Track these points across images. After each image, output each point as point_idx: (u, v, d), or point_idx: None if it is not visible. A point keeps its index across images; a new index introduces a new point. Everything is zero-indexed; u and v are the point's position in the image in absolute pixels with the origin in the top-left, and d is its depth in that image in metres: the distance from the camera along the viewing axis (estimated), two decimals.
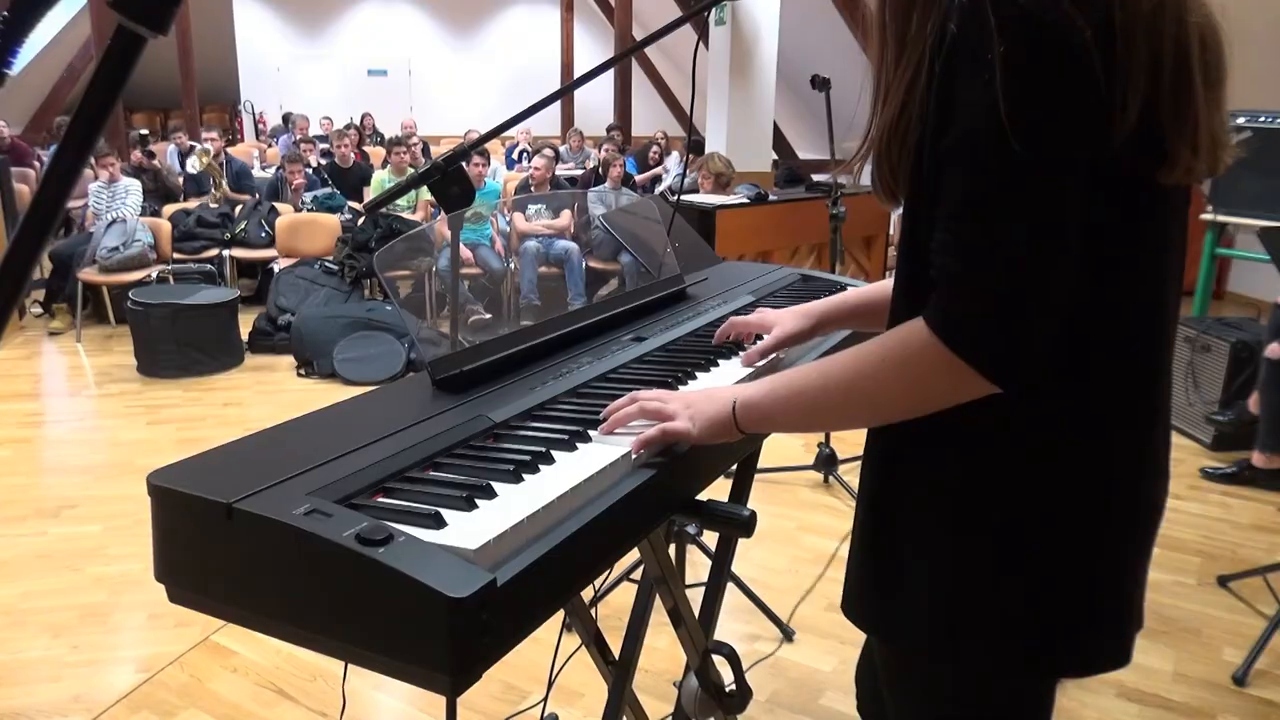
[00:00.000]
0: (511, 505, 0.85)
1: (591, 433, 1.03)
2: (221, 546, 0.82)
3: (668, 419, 1.01)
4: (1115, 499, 0.92)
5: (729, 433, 1.00)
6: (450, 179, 1.27)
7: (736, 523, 1.08)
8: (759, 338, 1.34)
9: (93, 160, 9.23)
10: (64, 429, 4.39)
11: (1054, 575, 0.91)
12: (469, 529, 0.81)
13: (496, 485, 0.89)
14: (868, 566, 1.02)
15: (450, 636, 0.71)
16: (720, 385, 1.12)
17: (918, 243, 0.90)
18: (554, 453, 0.97)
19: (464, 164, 1.29)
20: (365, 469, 0.90)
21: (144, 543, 3.21)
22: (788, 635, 2.58)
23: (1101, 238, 0.86)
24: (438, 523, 0.81)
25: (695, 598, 1.52)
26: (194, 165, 6.96)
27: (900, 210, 0.96)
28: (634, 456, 0.98)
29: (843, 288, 1.71)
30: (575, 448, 1.00)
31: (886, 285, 1.32)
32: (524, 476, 0.92)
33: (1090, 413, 0.90)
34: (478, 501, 0.86)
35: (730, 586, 2.48)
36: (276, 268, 6.14)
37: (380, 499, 0.88)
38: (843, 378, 0.93)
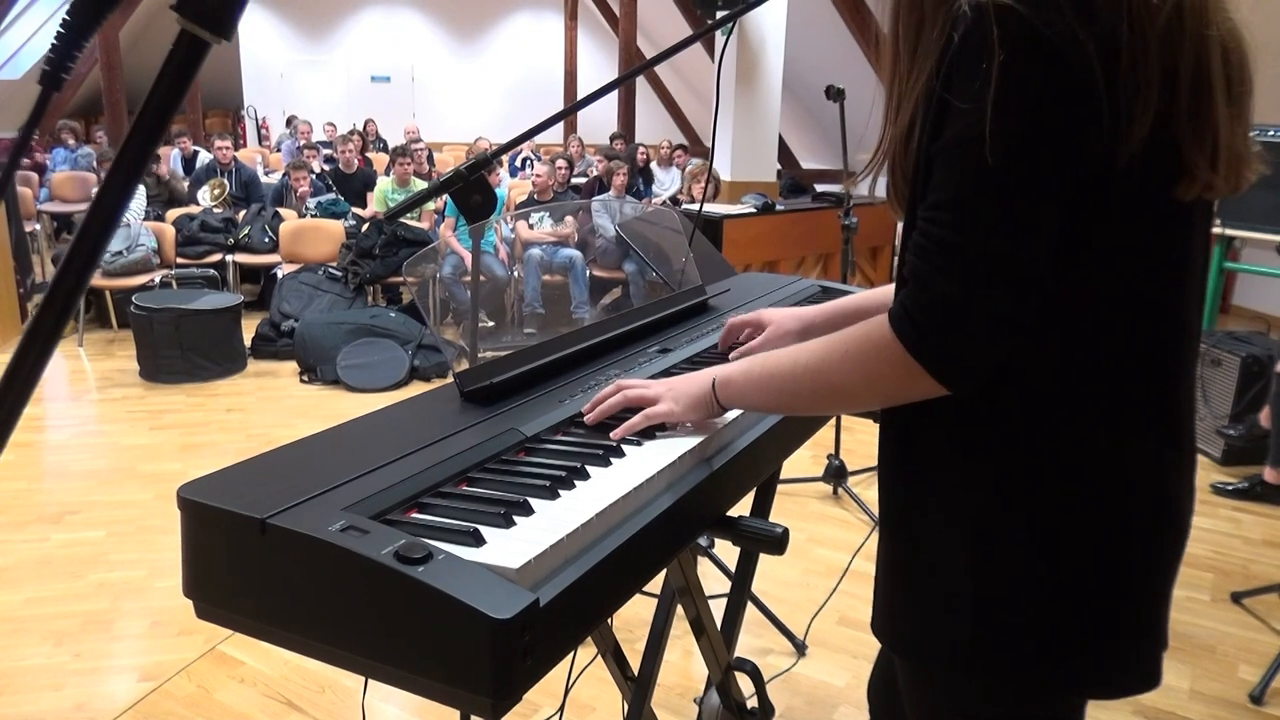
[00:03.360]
0: (550, 522, 0.83)
1: (625, 447, 1.02)
2: (254, 563, 0.80)
3: (650, 403, 1.06)
4: (1140, 516, 0.90)
5: (709, 408, 1.06)
6: (472, 187, 1.26)
7: (769, 540, 1.06)
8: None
9: (96, 164, 9.25)
10: (66, 434, 4.37)
11: (1080, 593, 0.89)
12: (509, 547, 0.79)
13: (534, 502, 0.87)
14: (892, 585, 1.01)
15: (493, 658, 0.69)
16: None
17: None
18: (589, 468, 0.96)
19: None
20: (399, 484, 0.88)
21: (147, 549, 3.18)
22: (800, 649, 2.56)
23: (1119, 251, 0.85)
24: (477, 540, 0.79)
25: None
26: (205, 198, 6.97)
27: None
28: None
29: None
30: (609, 463, 0.98)
31: (881, 293, 1.31)
32: (560, 493, 0.90)
33: (1110, 429, 0.88)
34: (515, 518, 0.84)
35: None
36: (280, 273, 6.12)
37: (415, 515, 0.86)
38: (810, 364, 0.95)
